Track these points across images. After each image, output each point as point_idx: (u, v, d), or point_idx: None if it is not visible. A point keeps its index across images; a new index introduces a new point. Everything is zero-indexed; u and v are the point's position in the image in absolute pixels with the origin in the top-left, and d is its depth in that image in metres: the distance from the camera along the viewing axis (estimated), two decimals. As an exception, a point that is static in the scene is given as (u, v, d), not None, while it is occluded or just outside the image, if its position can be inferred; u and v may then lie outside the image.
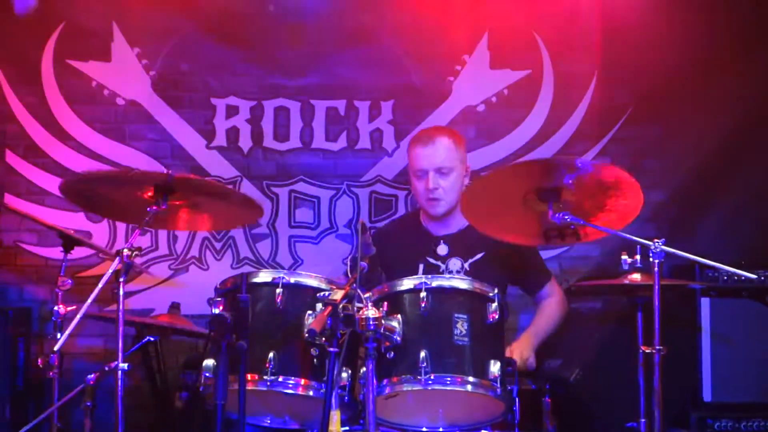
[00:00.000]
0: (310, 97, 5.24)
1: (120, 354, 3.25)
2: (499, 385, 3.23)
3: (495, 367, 3.23)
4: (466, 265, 4.10)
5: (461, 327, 3.25)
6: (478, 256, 4.09)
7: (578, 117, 5.28)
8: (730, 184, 5.26)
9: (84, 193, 3.82)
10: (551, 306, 4.22)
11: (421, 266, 4.10)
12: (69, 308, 3.76)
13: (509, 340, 3.86)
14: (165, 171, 3.56)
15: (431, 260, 4.12)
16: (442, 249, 4.15)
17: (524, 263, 4.19)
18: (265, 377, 3.24)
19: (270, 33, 5.18)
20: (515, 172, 3.64)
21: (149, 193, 3.48)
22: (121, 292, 3.27)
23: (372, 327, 3.08)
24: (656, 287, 3.44)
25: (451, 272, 4.08)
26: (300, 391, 3.27)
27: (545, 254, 5.17)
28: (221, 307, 3.33)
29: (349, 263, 4.13)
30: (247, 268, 5.10)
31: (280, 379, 3.26)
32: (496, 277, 3.88)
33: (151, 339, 4.46)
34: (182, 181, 3.51)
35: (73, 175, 4.90)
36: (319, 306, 3.22)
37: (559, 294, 4.28)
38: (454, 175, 4.09)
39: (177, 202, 3.58)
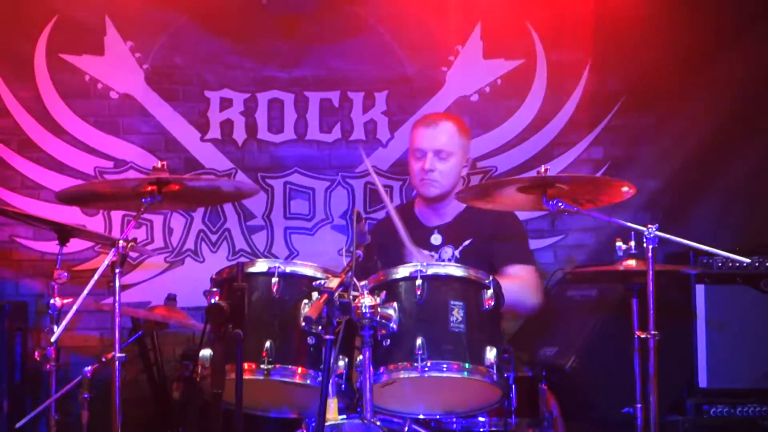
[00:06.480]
0: (304, 88, 5.24)
1: (116, 344, 3.25)
2: (495, 372, 3.23)
3: (491, 354, 3.23)
4: (456, 253, 4.13)
5: (457, 314, 3.25)
6: (467, 242, 4.11)
7: (572, 106, 5.29)
8: (724, 172, 5.27)
9: (81, 198, 3.80)
10: (513, 279, 3.93)
11: None
12: (65, 301, 3.74)
13: (506, 327, 3.86)
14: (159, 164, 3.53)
15: (426, 251, 4.13)
16: (436, 239, 4.17)
17: (505, 242, 4.13)
18: (262, 366, 3.24)
19: (263, 25, 5.17)
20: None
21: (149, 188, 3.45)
22: (117, 283, 3.27)
23: (368, 315, 3.09)
24: (650, 272, 3.45)
25: (443, 260, 4.10)
26: (297, 380, 3.27)
27: (541, 243, 5.23)
28: (217, 298, 3.33)
29: (344, 252, 4.18)
30: (242, 260, 5.08)
31: (277, 367, 3.25)
32: (482, 262, 3.88)
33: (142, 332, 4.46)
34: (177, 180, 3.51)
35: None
36: (315, 295, 3.23)
37: (528, 280, 4.04)
38: (453, 161, 4.08)
39: (173, 188, 3.55)
